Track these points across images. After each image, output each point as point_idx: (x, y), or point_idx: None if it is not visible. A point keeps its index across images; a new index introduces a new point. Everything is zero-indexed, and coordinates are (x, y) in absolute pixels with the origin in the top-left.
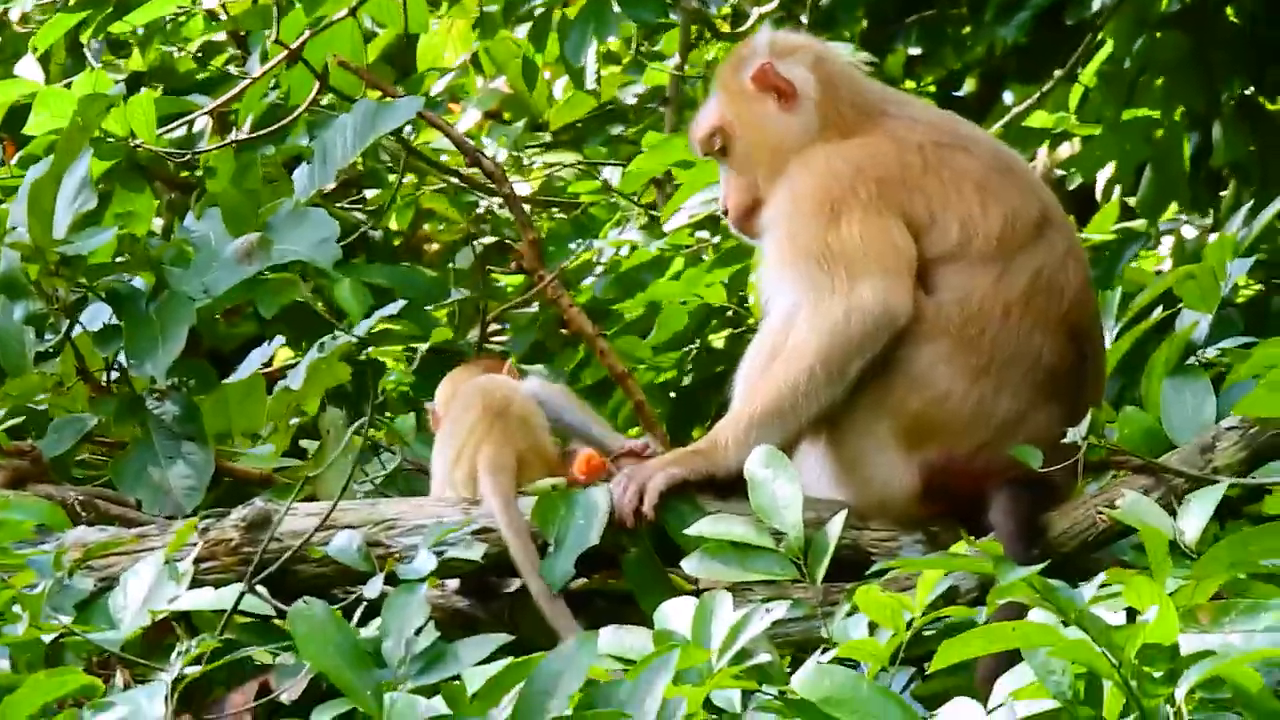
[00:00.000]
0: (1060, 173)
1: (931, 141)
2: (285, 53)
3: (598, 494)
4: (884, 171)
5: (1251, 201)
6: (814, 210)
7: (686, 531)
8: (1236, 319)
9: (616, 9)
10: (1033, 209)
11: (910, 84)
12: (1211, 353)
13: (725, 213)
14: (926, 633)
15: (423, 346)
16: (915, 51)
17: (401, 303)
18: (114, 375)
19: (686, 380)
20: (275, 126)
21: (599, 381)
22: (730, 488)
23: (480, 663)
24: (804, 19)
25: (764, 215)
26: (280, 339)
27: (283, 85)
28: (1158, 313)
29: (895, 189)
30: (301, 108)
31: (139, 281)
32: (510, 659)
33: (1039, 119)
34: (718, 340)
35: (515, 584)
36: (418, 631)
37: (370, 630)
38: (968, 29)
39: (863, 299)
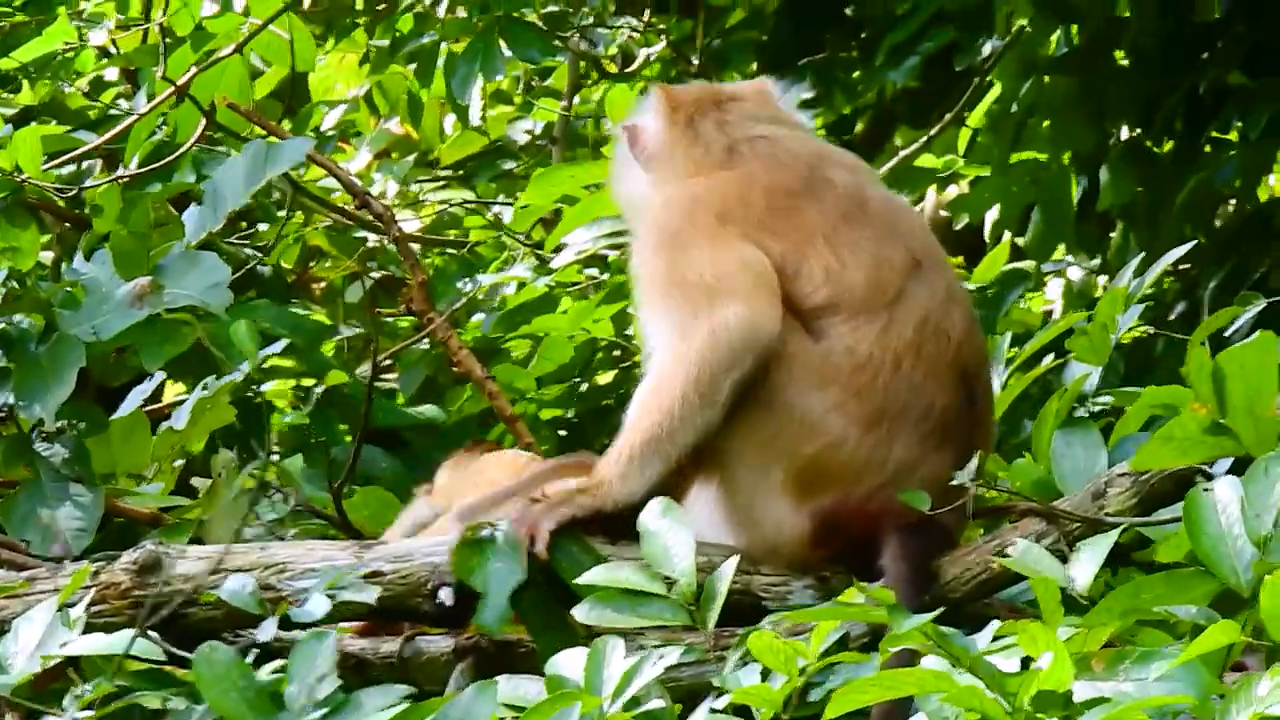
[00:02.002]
0: (945, 214)
1: (783, 188)
2: (172, 89)
3: (503, 538)
4: (723, 206)
5: (1140, 249)
6: (659, 245)
7: (579, 581)
8: (1119, 361)
9: (505, 49)
10: (898, 254)
11: None
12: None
13: None
14: (815, 688)
15: (318, 389)
16: (806, 95)
17: (284, 342)
18: (2, 416)
19: (572, 415)
20: (162, 163)
21: (480, 414)
22: (619, 522)
23: None
24: (694, 60)
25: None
26: (162, 375)
27: (170, 122)
28: (1047, 361)
29: (736, 221)
30: (188, 144)
31: (28, 322)
32: (408, 704)
33: (927, 161)
34: (604, 376)
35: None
36: (322, 678)
37: (264, 674)
38: (858, 73)
39: (725, 318)
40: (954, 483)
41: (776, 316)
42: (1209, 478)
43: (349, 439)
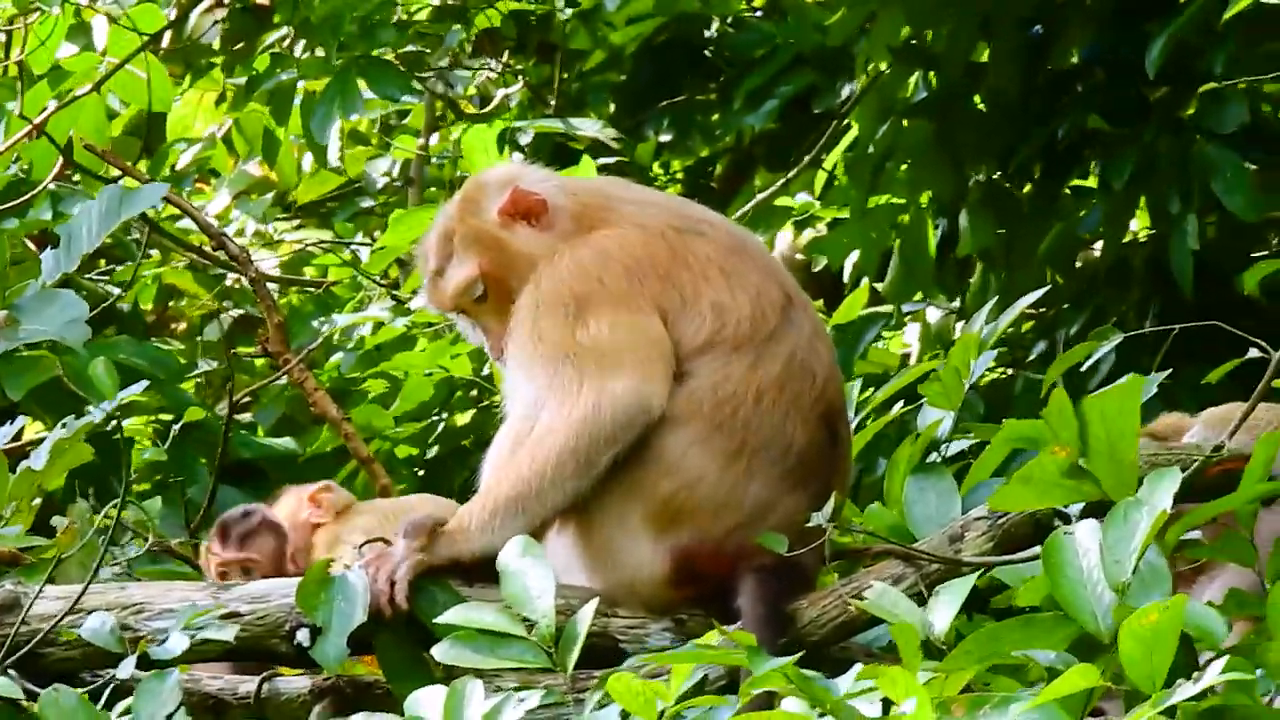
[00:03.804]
0: (801, 256)
1: (673, 228)
2: (28, 127)
3: (353, 577)
4: (632, 260)
5: (999, 292)
6: (559, 308)
7: (438, 620)
8: (977, 402)
9: (364, 90)
10: (775, 291)
11: (659, 170)
12: (954, 449)
13: (499, 357)
14: None
15: (175, 427)
16: (665, 138)
17: (144, 383)
18: None
19: (431, 454)
20: (18, 201)
21: (335, 450)
22: (475, 570)
23: None
24: (552, 102)
25: (511, 326)
26: (22, 420)
27: (23, 159)
28: (899, 407)
29: (646, 277)
30: (44, 183)
31: None
32: None
33: (785, 202)
34: (463, 417)
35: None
36: (169, 716)
37: (115, 715)
38: (716, 116)
39: (614, 391)
40: (810, 524)
41: (665, 393)
42: (1066, 521)
43: (207, 473)
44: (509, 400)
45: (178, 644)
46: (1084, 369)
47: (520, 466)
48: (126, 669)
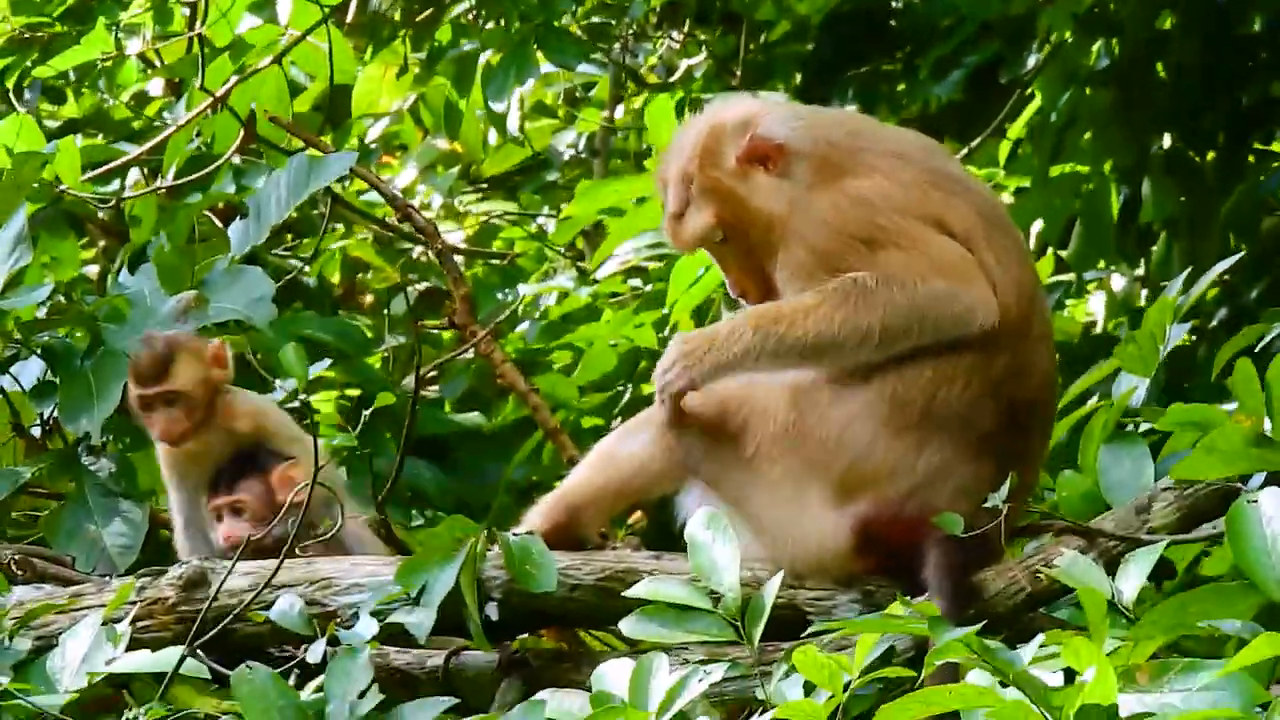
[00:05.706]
0: None
1: (930, 183)
2: (210, 100)
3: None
4: (898, 205)
5: (1185, 263)
6: (845, 249)
7: (625, 594)
8: (1159, 369)
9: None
10: (1030, 280)
11: None
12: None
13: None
14: (862, 694)
15: (366, 412)
16: (851, 109)
17: (327, 362)
18: (48, 429)
19: (616, 424)
20: (199, 174)
21: (519, 421)
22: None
23: None
24: (737, 73)
25: (783, 280)
26: None
27: (205, 133)
28: (1094, 370)
29: (920, 218)
30: (226, 155)
31: (73, 337)
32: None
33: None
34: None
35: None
36: (361, 694)
37: (309, 692)
38: (903, 86)
39: (936, 290)
40: (987, 505)
41: (992, 305)
42: None
43: (394, 449)
44: None
45: (367, 627)
46: (1267, 339)
47: (826, 317)
48: (316, 652)
